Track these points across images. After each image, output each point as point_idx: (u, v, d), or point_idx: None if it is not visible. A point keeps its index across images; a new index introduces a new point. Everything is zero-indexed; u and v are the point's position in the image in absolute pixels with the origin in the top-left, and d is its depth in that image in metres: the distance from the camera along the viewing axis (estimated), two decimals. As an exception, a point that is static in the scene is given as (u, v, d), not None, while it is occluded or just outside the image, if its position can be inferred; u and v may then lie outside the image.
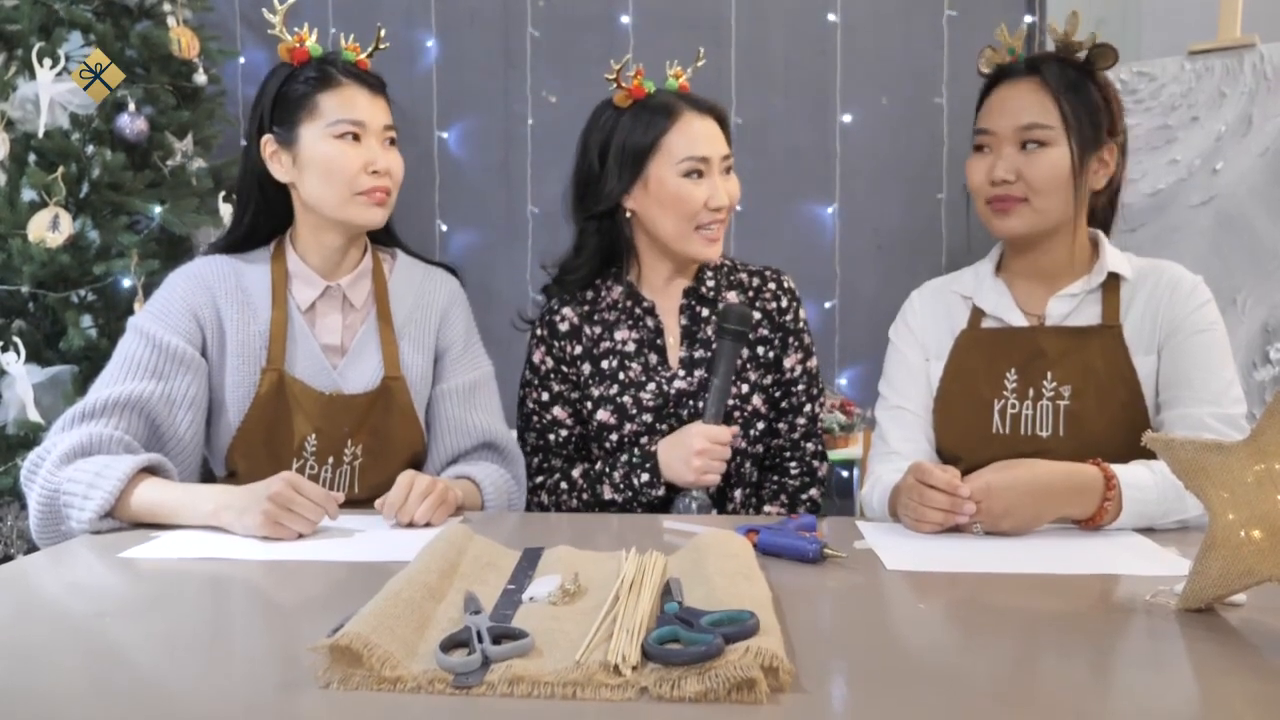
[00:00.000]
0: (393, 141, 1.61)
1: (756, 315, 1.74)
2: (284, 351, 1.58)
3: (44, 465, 1.41)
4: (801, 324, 1.78)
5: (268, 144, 1.58)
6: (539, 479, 1.74)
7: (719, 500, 1.71)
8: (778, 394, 1.76)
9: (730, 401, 1.69)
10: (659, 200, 1.67)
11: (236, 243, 1.65)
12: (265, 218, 1.64)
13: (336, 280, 1.63)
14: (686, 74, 1.74)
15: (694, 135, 1.66)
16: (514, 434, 1.73)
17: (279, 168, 1.58)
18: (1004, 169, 1.50)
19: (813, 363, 1.79)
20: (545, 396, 1.75)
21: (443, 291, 1.72)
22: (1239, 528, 0.94)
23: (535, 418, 1.76)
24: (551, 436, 1.75)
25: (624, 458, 1.67)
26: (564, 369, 1.74)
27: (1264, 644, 0.90)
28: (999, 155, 1.51)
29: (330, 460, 1.58)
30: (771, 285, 1.78)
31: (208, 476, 1.64)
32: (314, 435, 1.56)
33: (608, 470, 1.67)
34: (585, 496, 1.69)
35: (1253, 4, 2.69)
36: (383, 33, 1.68)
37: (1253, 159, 2.58)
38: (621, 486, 1.65)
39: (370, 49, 1.64)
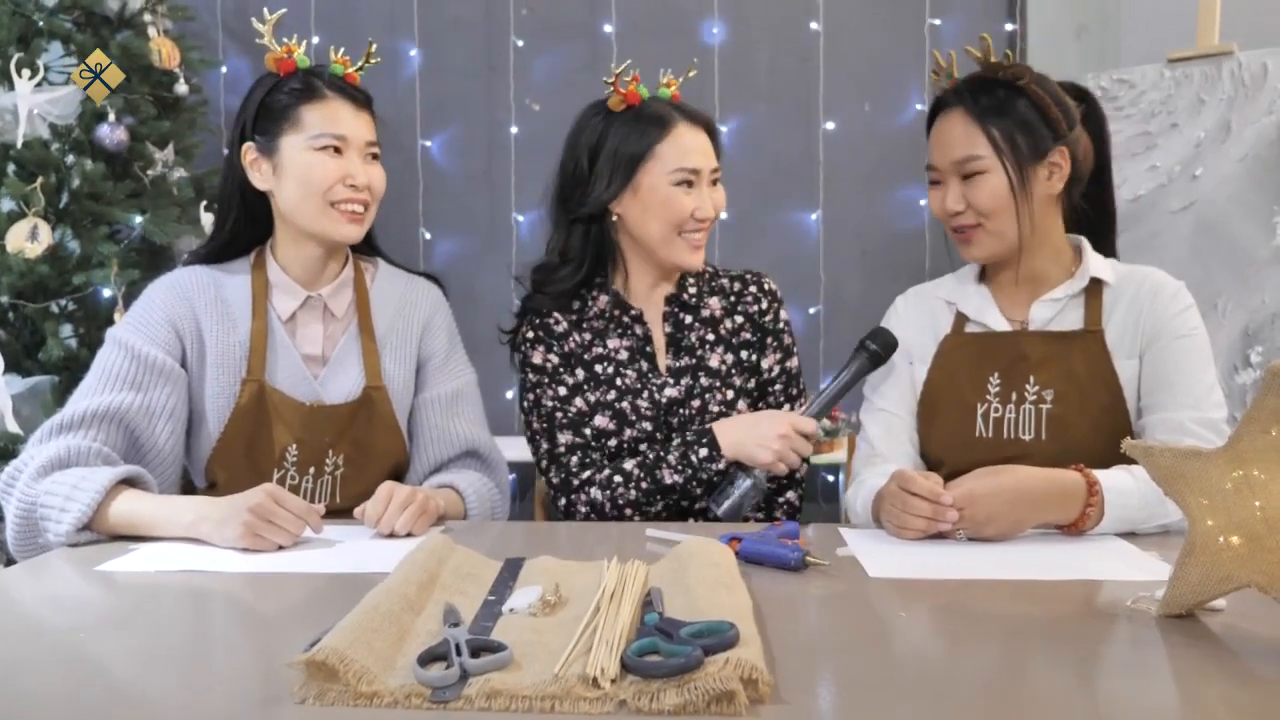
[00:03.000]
0: (375, 157, 1.61)
1: (739, 319, 1.75)
2: (264, 362, 1.57)
3: (21, 478, 1.40)
4: (782, 325, 1.78)
5: (248, 151, 1.58)
6: (585, 475, 1.66)
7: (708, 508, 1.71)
8: (756, 394, 1.76)
9: (716, 410, 1.69)
10: (647, 206, 1.67)
11: (218, 250, 1.65)
12: (246, 226, 1.63)
13: (317, 290, 1.63)
14: (679, 83, 1.75)
15: (686, 147, 1.67)
16: (496, 442, 1.72)
17: (258, 176, 1.58)
18: (952, 201, 1.53)
19: (792, 363, 1.78)
20: (563, 391, 1.70)
21: (425, 301, 1.71)
22: (1218, 534, 0.94)
23: (560, 414, 1.69)
24: (587, 431, 1.69)
25: (676, 440, 1.65)
26: (571, 363, 1.72)
27: (1243, 649, 0.90)
28: (946, 188, 1.55)
29: (311, 470, 1.57)
30: (753, 288, 1.78)
31: (188, 488, 1.63)
32: (295, 446, 1.56)
33: (663, 454, 1.64)
34: (645, 485, 1.63)
35: (1231, 12, 2.71)
36: (373, 47, 1.67)
37: (1232, 165, 2.60)
38: (680, 466, 1.61)
39: (360, 63, 1.63)
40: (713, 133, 1.73)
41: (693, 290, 1.75)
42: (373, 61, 1.66)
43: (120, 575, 1.20)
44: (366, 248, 1.72)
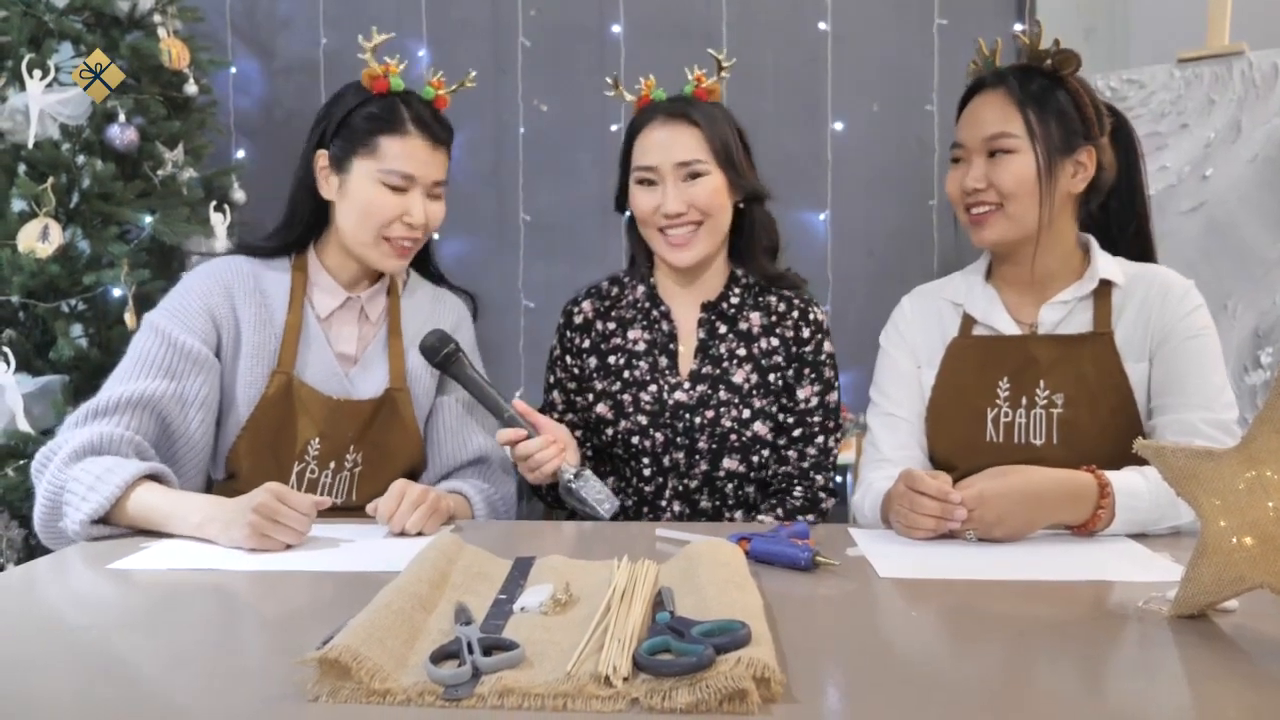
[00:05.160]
0: (439, 195, 1.62)
1: (774, 341, 1.72)
2: (295, 356, 1.59)
3: (54, 461, 1.42)
4: (824, 357, 1.73)
5: (320, 158, 1.60)
6: None
7: (715, 518, 1.71)
8: (791, 421, 1.72)
9: (729, 425, 1.68)
10: (633, 206, 1.72)
11: (279, 247, 1.66)
12: (312, 226, 1.66)
13: (357, 293, 1.66)
14: (710, 80, 1.74)
15: (647, 145, 1.69)
16: (508, 452, 1.74)
17: (325, 185, 1.61)
18: (974, 177, 1.52)
19: (832, 397, 1.74)
20: (550, 379, 1.83)
21: (451, 312, 1.76)
22: (1230, 534, 0.94)
23: (544, 396, 1.84)
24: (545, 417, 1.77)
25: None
26: (568, 359, 1.80)
27: (1256, 650, 0.90)
28: (970, 165, 1.54)
29: (331, 465, 1.59)
30: (795, 314, 1.74)
31: (208, 479, 1.64)
32: (318, 439, 1.58)
33: None
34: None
35: (1241, 11, 2.70)
36: (472, 75, 1.70)
37: (1242, 165, 2.59)
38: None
39: (454, 86, 1.66)
40: (698, 125, 1.68)
41: (735, 300, 1.75)
42: (469, 85, 1.68)
43: (132, 573, 1.21)
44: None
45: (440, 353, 1.64)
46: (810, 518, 1.71)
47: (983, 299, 1.60)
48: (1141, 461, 1.04)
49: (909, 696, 0.80)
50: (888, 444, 1.60)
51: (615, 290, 1.81)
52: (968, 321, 1.60)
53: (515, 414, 1.60)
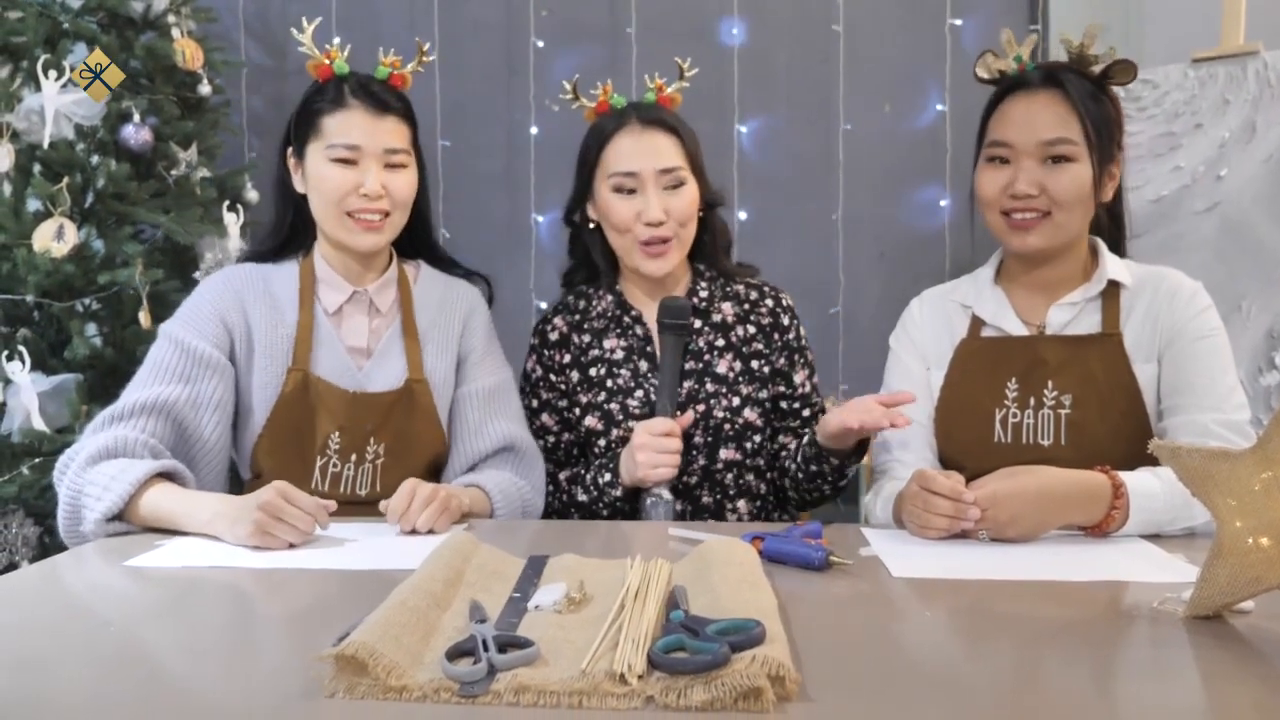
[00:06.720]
0: (400, 165, 1.62)
1: (750, 329, 1.75)
2: (309, 353, 1.62)
3: (72, 465, 1.45)
4: (804, 340, 1.81)
5: (289, 157, 1.65)
6: None
7: (717, 512, 1.71)
8: (797, 406, 1.78)
9: (721, 415, 1.69)
10: (602, 215, 1.71)
11: (275, 250, 1.70)
12: (301, 225, 1.69)
13: (363, 286, 1.67)
14: (671, 88, 1.74)
15: (624, 150, 1.67)
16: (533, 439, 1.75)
17: (298, 180, 1.65)
18: (1026, 182, 1.48)
19: (816, 377, 1.82)
20: (535, 404, 1.79)
21: (464, 300, 1.76)
22: (1247, 535, 0.93)
23: (528, 422, 1.80)
24: (540, 442, 1.78)
25: (598, 462, 1.69)
26: (552, 377, 1.78)
27: (1272, 651, 0.89)
28: (1019, 168, 1.49)
29: (353, 458, 1.60)
30: (769, 302, 1.78)
31: (236, 479, 1.67)
32: (337, 433, 1.59)
33: (583, 472, 1.70)
34: (564, 498, 1.72)
35: (1256, 11, 2.69)
36: (426, 46, 1.71)
37: (1257, 165, 2.58)
38: (590, 488, 1.67)
39: (412, 65, 1.69)
40: (676, 133, 1.69)
41: (704, 294, 1.76)
42: (427, 59, 1.70)
43: (149, 570, 1.21)
44: (410, 250, 1.77)
45: (678, 317, 1.62)
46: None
47: (992, 300, 1.59)
48: (1154, 461, 1.03)
49: (923, 696, 0.80)
50: (898, 445, 1.60)
51: (582, 303, 1.80)
52: (976, 323, 1.60)
53: (677, 414, 1.60)
